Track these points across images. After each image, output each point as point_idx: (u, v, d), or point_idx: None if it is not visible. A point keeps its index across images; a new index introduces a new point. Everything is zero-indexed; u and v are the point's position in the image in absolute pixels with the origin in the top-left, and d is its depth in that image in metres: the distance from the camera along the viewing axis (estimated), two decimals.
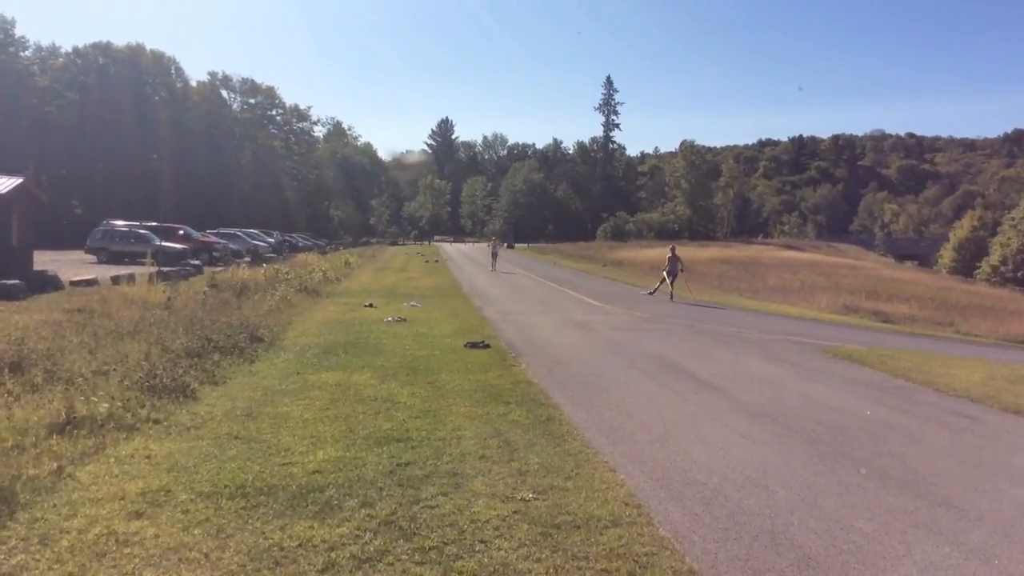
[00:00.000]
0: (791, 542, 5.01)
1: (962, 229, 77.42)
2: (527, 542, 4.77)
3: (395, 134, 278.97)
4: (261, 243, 48.05)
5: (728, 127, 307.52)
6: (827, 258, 67.94)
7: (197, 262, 33.07)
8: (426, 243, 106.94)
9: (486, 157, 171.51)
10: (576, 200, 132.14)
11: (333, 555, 4.47)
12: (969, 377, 12.07)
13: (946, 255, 77.86)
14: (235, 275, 24.44)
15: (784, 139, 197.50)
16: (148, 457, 6.20)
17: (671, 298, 26.09)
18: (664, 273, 27.11)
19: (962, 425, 8.86)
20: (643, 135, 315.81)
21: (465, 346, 13.35)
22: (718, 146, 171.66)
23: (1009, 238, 63.11)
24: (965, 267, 70.18)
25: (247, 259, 38.15)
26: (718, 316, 22.10)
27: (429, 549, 4.60)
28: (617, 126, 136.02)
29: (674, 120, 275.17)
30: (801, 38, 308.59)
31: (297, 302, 20.26)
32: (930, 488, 6.26)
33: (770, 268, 49.63)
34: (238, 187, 74.40)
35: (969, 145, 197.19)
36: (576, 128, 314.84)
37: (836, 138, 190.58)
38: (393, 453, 6.59)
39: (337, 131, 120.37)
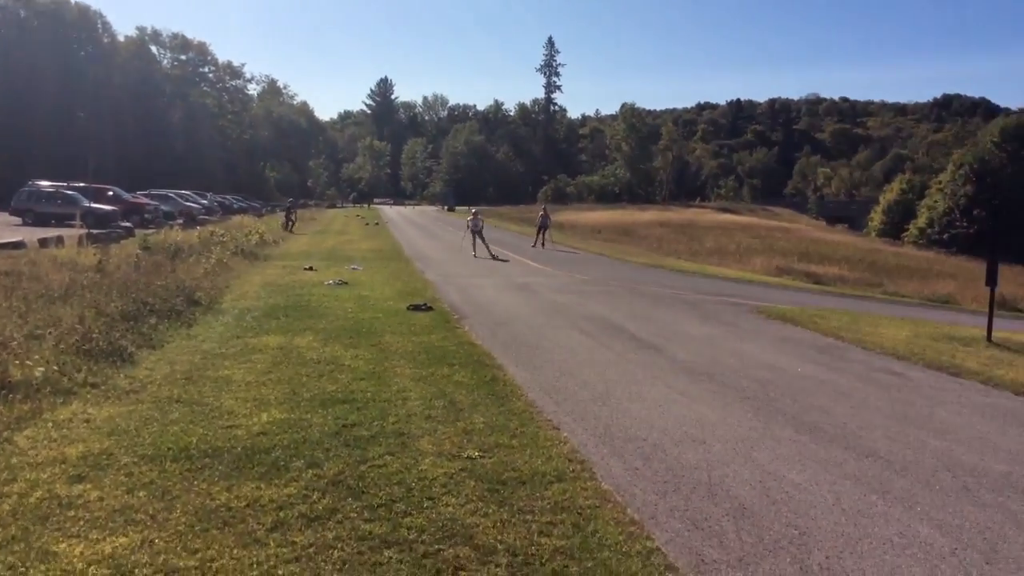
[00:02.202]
0: (727, 493, 5.22)
1: (891, 192, 79.61)
2: (474, 498, 4.87)
3: (332, 94, 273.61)
4: (194, 204, 46.81)
5: (667, 90, 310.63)
6: (762, 221, 69.39)
7: (128, 224, 32.02)
8: (366, 206, 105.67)
9: (426, 119, 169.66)
10: (517, 162, 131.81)
11: (282, 514, 4.49)
12: (896, 336, 12.57)
13: (875, 218, 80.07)
14: (168, 237, 23.83)
15: (722, 103, 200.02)
16: (87, 421, 6.10)
17: (533, 245, 32.82)
18: (536, 228, 33.99)
19: (888, 381, 9.26)
20: (584, 97, 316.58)
21: (408, 308, 13.35)
22: (657, 109, 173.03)
23: (936, 201, 65.20)
24: (893, 230, 72.31)
25: (180, 221, 37.18)
26: (652, 277, 22.47)
27: (378, 507, 4.67)
28: (559, 88, 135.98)
29: (614, 82, 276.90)
30: (739, 2, 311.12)
31: (234, 265, 19.90)
32: (858, 441, 6.56)
33: (707, 231, 50.48)
34: (169, 147, 72.00)
35: (900, 110, 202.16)
36: (517, 90, 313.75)
37: (772, 102, 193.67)
38: (338, 415, 6.60)
39: (272, 90, 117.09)
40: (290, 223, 40.72)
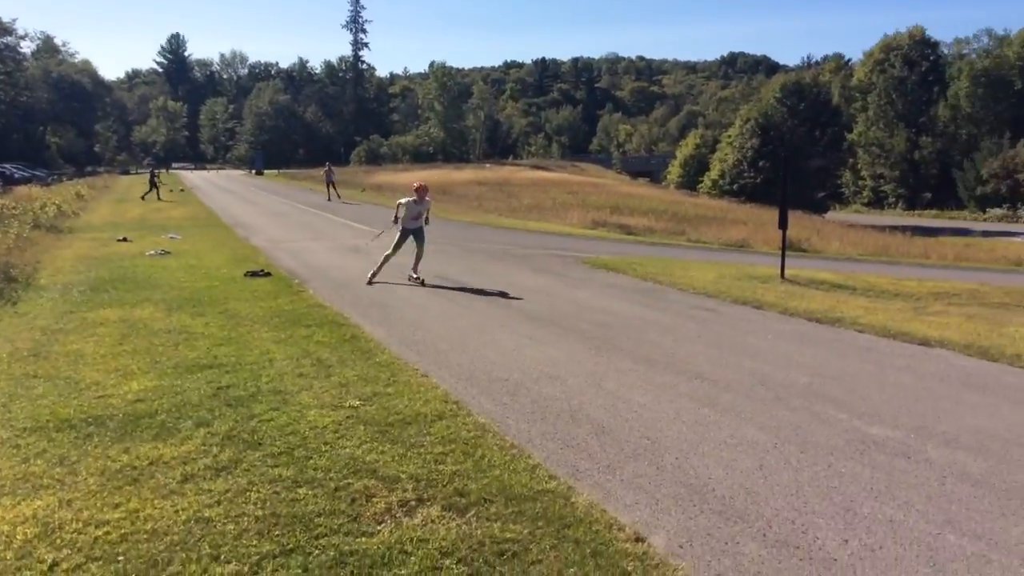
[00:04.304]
0: (586, 417, 5.96)
1: (687, 147, 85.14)
2: (367, 439, 5.30)
3: (118, 51, 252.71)
4: None
5: (475, 48, 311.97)
6: (573, 177, 72.14)
7: None
8: (164, 171, 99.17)
9: (225, 77, 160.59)
10: (327, 123, 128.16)
11: (188, 468, 4.72)
12: (704, 277, 14.01)
13: (674, 171, 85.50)
14: None
15: (528, 61, 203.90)
16: None
17: (328, 200, 37.52)
18: (325, 184, 39.88)
19: (704, 316, 10.47)
20: (392, 55, 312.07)
21: (245, 275, 13.25)
22: (466, 67, 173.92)
23: (726, 154, 70.55)
24: (690, 182, 77.65)
25: None
26: (479, 234, 23.24)
27: (279, 454, 4.99)
28: (366, 45, 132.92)
29: (422, 40, 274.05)
30: None
31: (37, 239, 18.61)
32: (686, 367, 7.55)
33: (523, 188, 52.01)
34: None
35: (691, 68, 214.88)
36: (322, 47, 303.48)
37: (576, 61, 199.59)
38: (210, 379, 6.74)
39: (48, 47, 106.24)
40: (154, 189, 38.76)
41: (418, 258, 13.09)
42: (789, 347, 8.58)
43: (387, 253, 13.02)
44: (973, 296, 13.67)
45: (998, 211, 72.10)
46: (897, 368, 7.74)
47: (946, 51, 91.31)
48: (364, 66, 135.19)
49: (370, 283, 12.63)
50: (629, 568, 3.67)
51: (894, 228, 45.16)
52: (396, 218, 12.90)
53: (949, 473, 4.93)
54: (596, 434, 5.57)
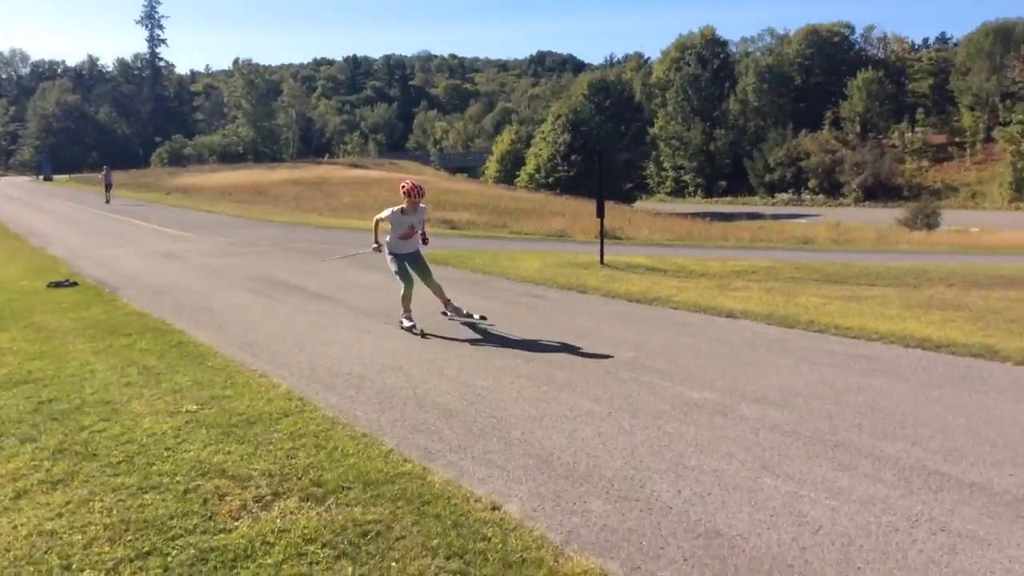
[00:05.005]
0: (433, 402, 6.12)
1: (502, 143, 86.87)
2: (211, 441, 5.18)
3: None
4: None
5: (282, 45, 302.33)
6: (392, 175, 71.59)
7: None
8: None
9: (4, 77, 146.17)
10: (123, 124, 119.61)
11: (19, 484, 4.45)
12: (530, 266, 14.52)
13: (491, 167, 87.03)
14: None
15: (339, 58, 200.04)
16: None
17: (106, 202, 38.44)
18: (104, 186, 40.93)
19: (534, 303, 10.90)
20: (192, 52, 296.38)
21: (48, 286, 12.39)
22: (273, 64, 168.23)
23: (540, 149, 72.74)
24: (507, 176, 79.36)
25: None
26: (301, 234, 22.77)
27: (118, 463, 4.79)
28: (163, 41, 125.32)
29: (224, 36, 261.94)
30: None
31: None
32: (522, 349, 7.88)
33: (342, 187, 51.13)
34: None
35: (503, 66, 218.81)
36: (115, 44, 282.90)
37: (388, 58, 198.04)
38: (27, 394, 6.31)
39: None
40: None
41: (438, 289, 9.61)
42: (613, 326, 9.14)
43: (401, 293, 9.12)
44: (769, 273, 15.04)
45: (785, 196, 79.64)
46: (710, 339, 8.45)
47: (734, 49, 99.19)
48: (162, 63, 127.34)
49: (421, 334, 8.71)
50: (489, 534, 3.87)
51: (695, 215, 48.52)
52: (377, 241, 9.34)
53: (761, 426, 5.51)
54: (444, 417, 5.75)
